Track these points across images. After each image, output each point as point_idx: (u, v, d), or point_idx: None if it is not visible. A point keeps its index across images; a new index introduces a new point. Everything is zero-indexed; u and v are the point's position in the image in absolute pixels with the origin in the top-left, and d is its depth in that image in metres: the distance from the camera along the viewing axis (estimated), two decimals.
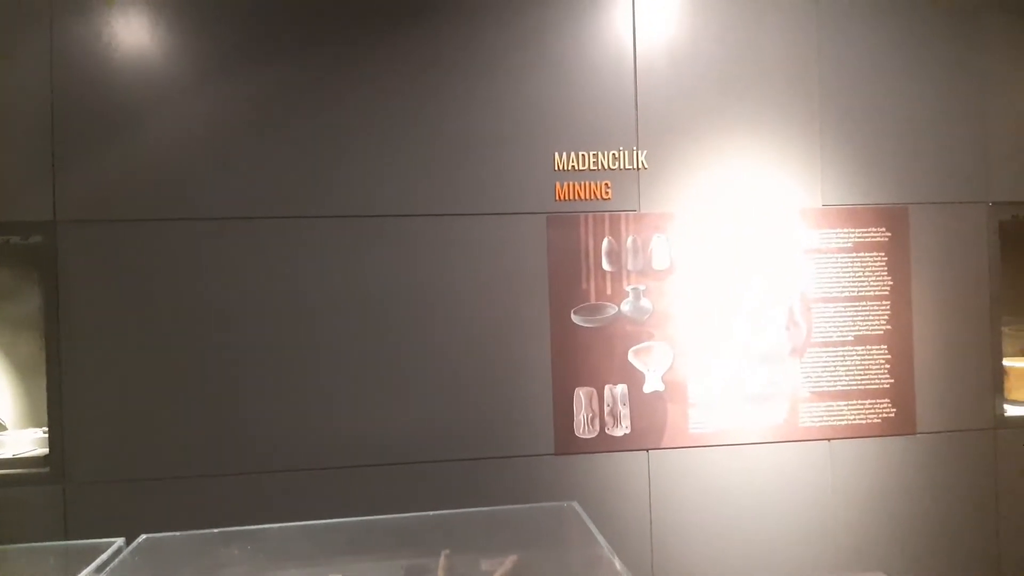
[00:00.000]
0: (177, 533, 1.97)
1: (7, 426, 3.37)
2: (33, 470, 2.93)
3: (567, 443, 3.12)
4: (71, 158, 2.95)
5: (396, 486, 3.00)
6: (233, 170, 3.00)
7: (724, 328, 3.21)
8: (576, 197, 3.18)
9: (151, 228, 2.96)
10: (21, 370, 3.39)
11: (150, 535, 1.95)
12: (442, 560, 1.94)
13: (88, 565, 1.81)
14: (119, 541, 1.87)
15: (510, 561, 1.88)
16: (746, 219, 3.23)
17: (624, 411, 3.15)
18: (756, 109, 3.27)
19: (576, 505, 2.08)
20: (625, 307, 3.18)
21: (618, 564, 1.74)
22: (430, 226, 3.09)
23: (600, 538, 1.86)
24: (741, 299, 3.22)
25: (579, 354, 3.14)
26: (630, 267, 3.19)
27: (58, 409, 2.89)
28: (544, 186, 3.17)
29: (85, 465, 2.89)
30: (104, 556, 1.79)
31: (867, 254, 3.30)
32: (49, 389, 2.90)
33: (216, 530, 1.99)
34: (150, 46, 2.99)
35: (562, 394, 3.12)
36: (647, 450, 3.16)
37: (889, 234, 3.32)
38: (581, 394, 3.13)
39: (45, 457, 2.95)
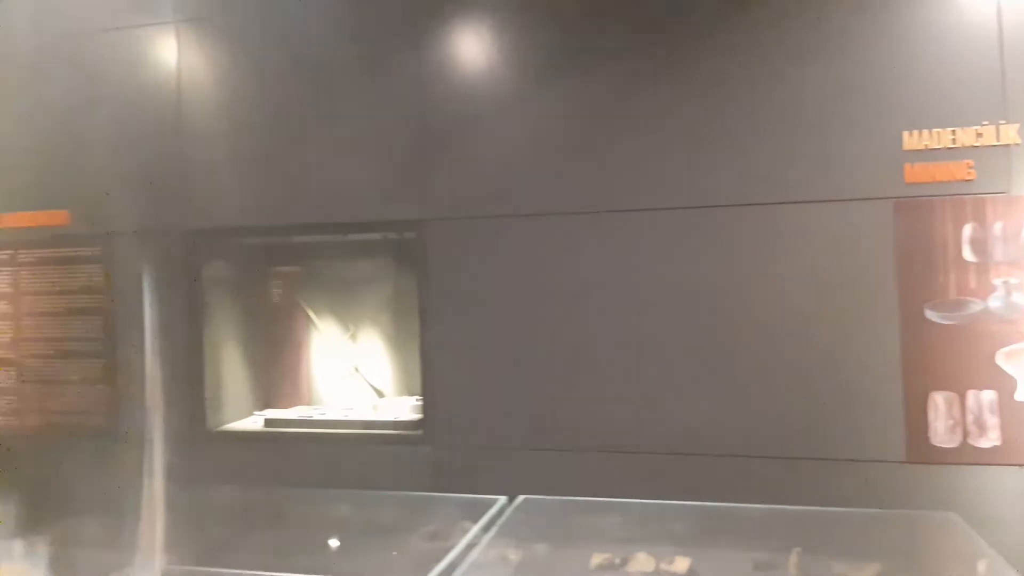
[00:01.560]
0: (550, 497, 2.20)
1: (385, 394, 3.99)
2: (408, 432, 3.45)
3: (921, 452, 2.85)
4: (435, 164, 3.38)
5: (721, 477, 2.99)
6: (573, 166, 3.21)
7: None
8: (930, 179, 2.89)
9: (503, 223, 3.29)
10: (397, 346, 3.99)
11: (528, 496, 2.19)
12: (793, 557, 1.91)
13: (469, 516, 2.10)
14: (502, 499, 2.14)
15: (872, 570, 1.80)
16: None
17: (993, 420, 2.80)
18: None
19: (956, 516, 1.91)
20: (993, 302, 2.82)
21: None
22: (761, 215, 3.02)
23: (994, 554, 1.68)
24: None
25: (936, 354, 2.85)
26: (999, 257, 2.81)
27: (429, 381, 3.36)
28: (890, 169, 2.92)
29: (451, 431, 3.32)
30: (492, 510, 2.06)
31: None
32: (423, 363, 3.38)
33: (584, 498, 2.17)
34: (492, 59, 3.31)
35: (914, 398, 2.86)
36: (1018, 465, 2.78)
37: None
38: (938, 399, 2.85)
39: (418, 422, 3.44)
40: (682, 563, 1.94)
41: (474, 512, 2.12)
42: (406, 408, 3.68)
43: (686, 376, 3.07)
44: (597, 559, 1.85)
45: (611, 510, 2.15)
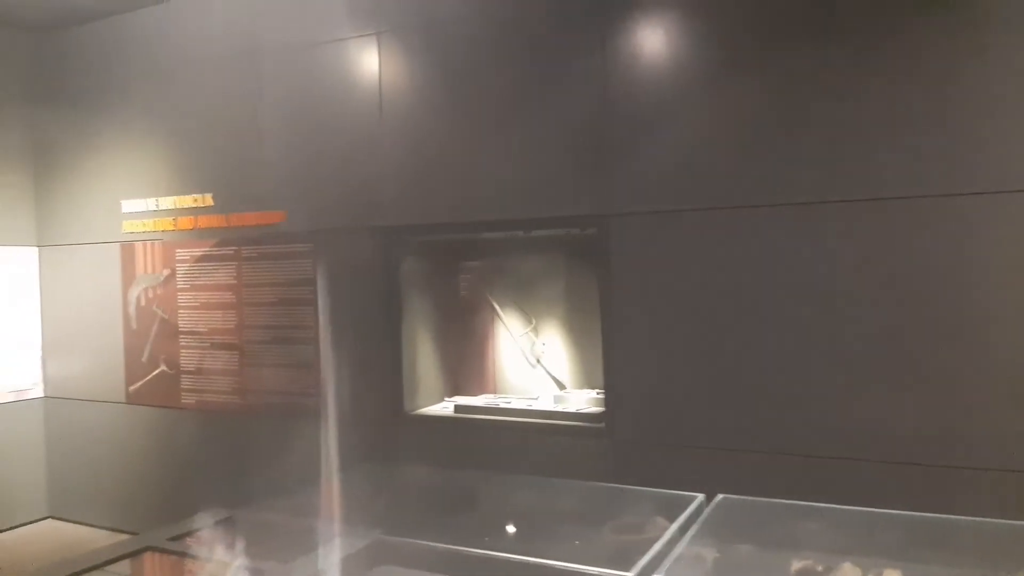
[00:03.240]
0: (748, 498, 2.17)
1: (566, 385, 4.08)
2: (590, 424, 3.51)
3: None
4: (618, 159, 3.40)
5: (933, 487, 2.78)
6: (760, 158, 3.11)
7: None
8: None
9: (687, 217, 3.25)
10: (577, 340, 4.06)
11: (727, 495, 2.18)
12: None
13: (661, 512, 2.11)
14: (700, 497, 2.15)
15: None
16: None
17: None
18: None
19: None
20: None
21: None
22: (969, 205, 2.76)
23: None
24: None
25: None
26: None
27: (612, 375, 3.40)
28: None
29: (633, 425, 3.35)
30: (691, 508, 2.07)
31: None
32: (605, 357, 3.43)
33: (785, 501, 2.12)
34: (676, 49, 3.27)
35: None
36: None
37: None
38: None
39: (600, 415, 3.50)
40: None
41: (666, 508, 2.13)
42: (587, 400, 3.74)
43: (888, 378, 2.88)
44: (798, 565, 1.80)
45: (814, 515, 2.08)
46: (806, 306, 3.02)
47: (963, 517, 2.09)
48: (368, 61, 4.00)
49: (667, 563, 1.65)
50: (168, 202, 4.69)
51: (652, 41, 3.34)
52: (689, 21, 3.26)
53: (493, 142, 3.69)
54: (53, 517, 5.16)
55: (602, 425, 3.44)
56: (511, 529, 2.61)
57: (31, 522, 5.08)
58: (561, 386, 4.09)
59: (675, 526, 1.92)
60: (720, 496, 2.19)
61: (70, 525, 5.04)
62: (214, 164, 4.54)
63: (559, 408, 3.74)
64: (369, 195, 3.99)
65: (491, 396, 4.16)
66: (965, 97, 2.78)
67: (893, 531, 2.06)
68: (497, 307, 4.30)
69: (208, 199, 4.56)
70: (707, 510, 2.10)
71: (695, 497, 2.15)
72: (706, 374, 3.18)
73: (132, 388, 4.82)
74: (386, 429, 3.97)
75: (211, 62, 4.50)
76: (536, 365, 4.18)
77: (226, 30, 4.47)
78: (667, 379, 3.27)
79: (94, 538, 4.74)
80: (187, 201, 4.63)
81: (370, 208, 4.00)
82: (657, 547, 1.74)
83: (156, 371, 4.73)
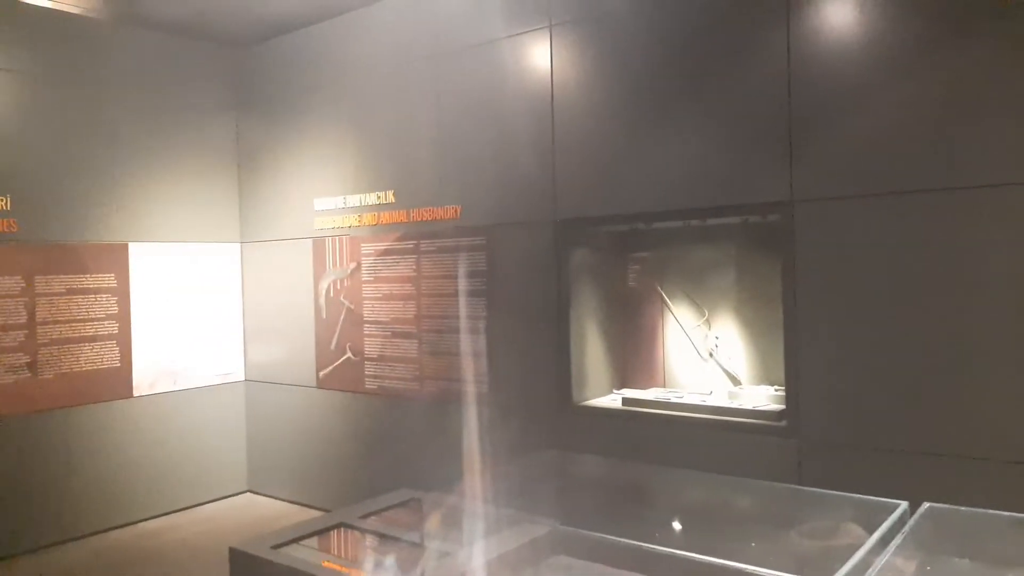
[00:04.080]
0: (959, 507, 1.99)
1: (741, 381, 3.93)
2: (769, 423, 3.36)
3: None
4: (803, 143, 3.22)
5: None
6: (953, 139, 2.83)
7: None
8: None
9: (877, 202, 3.02)
10: (754, 333, 3.90)
11: (933, 504, 2.01)
12: None
13: (856, 518, 1.98)
14: (904, 504, 1.99)
15: None
16: None
17: None
18: None
19: None
20: None
21: None
22: None
23: None
24: None
25: None
26: None
27: (794, 372, 3.23)
28: None
29: (815, 424, 3.17)
30: (894, 516, 1.92)
31: None
32: (787, 353, 3.26)
33: (997, 512, 1.92)
34: (864, 30, 3.03)
35: None
36: None
37: None
38: None
39: (780, 413, 3.34)
40: None
41: (860, 514, 1.99)
42: (764, 397, 3.58)
43: None
44: None
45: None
46: (1009, 298, 2.71)
47: None
48: (540, 55, 4.05)
49: (872, 572, 1.54)
50: (355, 200, 5.01)
51: (840, 16, 3.12)
52: (882, 10, 3.01)
53: (669, 132, 3.62)
54: (252, 491, 5.69)
55: (783, 423, 3.28)
56: (679, 526, 2.55)
57: (232, 495, 5.62)
58: (736, 382, 3.94)
59: (877, 534, 1.78)
60: (927, 505, 2.01)
61: (267, 499, 5.54)
62: (396, 163, 4.79)
63: (734, 405, 3.60)
64: (541, 189, 4.05)
65: (660, 390, 4.08)
66: None
67: None
68: (667, 298, 4.21)
69: (391, 196, 4.81)
70: (912, 519, 1.93)
71: (898, 504, 1.98)
72: (898, 371, 2.94)
73: (322, 373, 5.21)
74: (554, 419, 4.02)
75: (393, 67, 4.76)
76: (708, 359, 4.05)
77: (406, 35, 4.70)
78: (856, 376, 3.06)
79: (288, 512, 5.18)
80: (371, 198, 4.91)
81: (542, 201, 4.06)
82: (859, 556, 1.62)
83: (343, 358, 5.07)
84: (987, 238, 2.78)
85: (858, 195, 3.08)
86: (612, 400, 4.08)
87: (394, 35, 4.77)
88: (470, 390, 4.38)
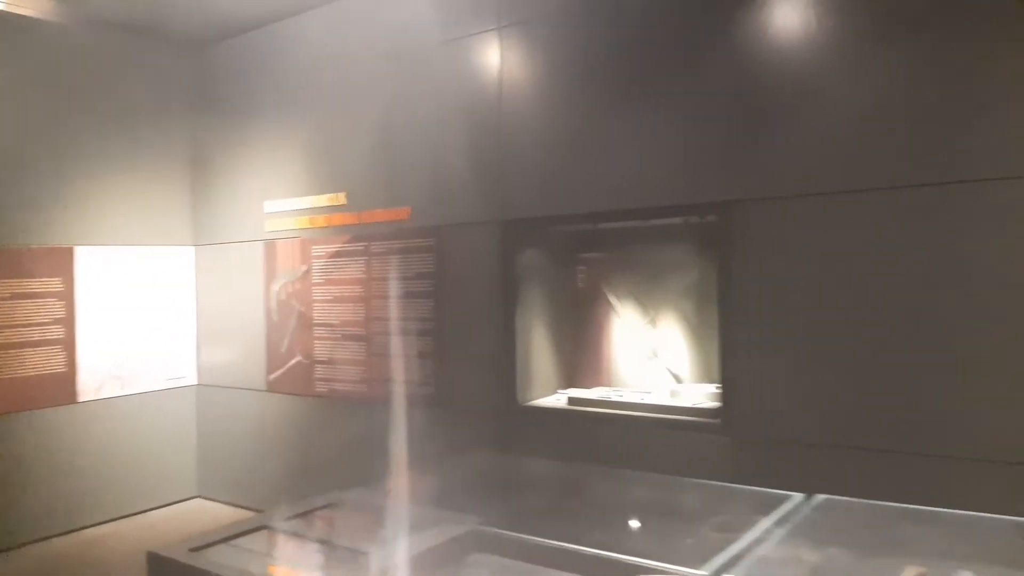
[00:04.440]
0: (854, 499, 2.01)
1: (683, 380, 3.95)
2: (706, 420, 3.37)
3: None
4: (744, 144, 3.24)
5: None
6: (889, 139, 2.87)
7: None
8: None
9: (813, 203, 3.05)
10: (696, 333, 3.92)
11: (830, 496, 2.03)
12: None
13: (762, 510, 1.99)
14: (798, 496, 2.01)
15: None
16: None
17: None
18: None
19: None
20: None
21: None
22: None
23: None
24: None
25: None
26: None
27: (730, 370, 3.25)
28: None
29: (751, 422, 3.19)
30: (787, 506, 1.94)
31: None
32: (722, 352, 3.28)
33: (893, 504, 1.95)
34: (810, 29, 3.06)
35: None
36: None
37: None
38: None
39: (716, 410, 3.36)
40: None
41: (769, 507, 2.00)
42: (704, 395, 3.60)
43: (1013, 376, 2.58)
44: (911, 572, 1.62)
45: (925, 519, 1.88)
46: (939, 297, 2.75)
47: None
48: (489, 57, 4.05)
49: (745, 563, 1.55)
50: (306, 202, 4.97)
51: (788, 18, 3.14)
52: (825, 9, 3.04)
53: (614, 133, 3.64)
54: (202, 496, 5.62)
55: (718, 421, 3.30)
56: (607, 523, 2.56)
57: (181, 500, 5.54)
58: (678, 380, 3.96)
59: (767, 524, 1.79)
60: (822, 496, 2.03)
61: (216, 504, 5.47)
62: (347, 165, 4.77)
63: (674, 403, 3.62)
64: (489, 189, 4.05)
65: (605, 389, 4.10)
66: None
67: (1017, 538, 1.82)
68: (613, 299, 4.22)
69: (342, 198, 4.79)
70: (805, 510, 1.95)
71: (791, 496, 2.00)
72: (831, 369, 2.97)
73: (272, 376, 5.17)
74: (499, 419, 4.01)
75: (343, 69, 4.74)
76: (653, 358, 4.07)
77: (356, 38, 4.69)
78: (789, 373, 3.09)
79: (236, 517, 5.09)
80: (322, 200, 4.88)
81: (490, 202, 4.05)
82: (740, 546, 1.63)
83: (293, 361, 5.03)
84: (916, 237, 2.82)
85: (795, 195, 3.11)
86: (557, 400, 4.09)
87: (344, 38, 4.75)
88: (418, 392, 4.36)
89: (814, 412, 3.00)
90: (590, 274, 4.37)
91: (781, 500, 2.02)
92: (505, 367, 4.03)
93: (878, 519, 1.95)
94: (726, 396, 3.28)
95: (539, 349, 4.19)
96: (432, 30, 4.28)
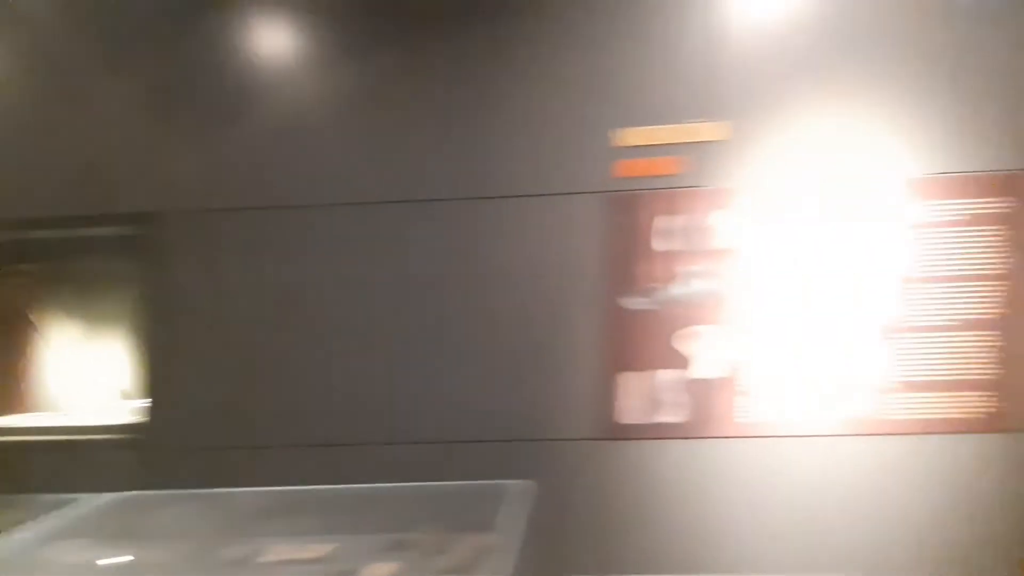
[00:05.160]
0: (156, 492, 2.13)
1: (124, 397, 3.80)
2: (127, 436, 3.29)
3: (611, 428, 3.02)
4: (174, 151, 3.25)
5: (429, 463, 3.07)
6: (310, 159, 3.19)
7: (793, 312, 2.95)
8: (638, 174, 3.05)
9: (238, 217, 3.22)
10: (128, 349, 3.80)
11: (128, 493, 2.12)
12: None
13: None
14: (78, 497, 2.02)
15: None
16: (829, 192, 2.94)
17: (671, 398, 3.00)
18: (853, 70, 2.94)
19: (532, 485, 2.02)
20: (677, 290, 3.02)
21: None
22: (486, 209, 3.10)
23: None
24: (818, 280, 2.94)
25: (627, 338, 3.02)
26: (686, 247, 3.01)
27: (152, 382, 3.24)
28: (602, 163, 3.06)
29: (168, 432, 3.22)
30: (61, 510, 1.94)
31: (985, 228, 2.87)
32: (145, 365, 3.25)
33: (192, 491, 2.11)
34: (250, 46, 3.23)
35: (607, 379, 3.02)
36: (694, 438, 2.99)
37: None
38: (627, 379, 3.02)
39: (138, 425, 3.30)
40: (320, 549, 1.93)
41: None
42: (131, 411, 3.51)
43: (406, 365, 3.12)
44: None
45: (220, 501, 2.11)
46: (352, 303, 3.15)
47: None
48: None
49: None
50: None
51: (225, 38, 3.22)
52: (268, 25, 3.21)
53: (59, 129, 3.33)
54: None
55: (139, 436, 3.26)
56: None
57: None
58: (127, 396, 3.80)
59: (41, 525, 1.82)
60: (109, 496, 2.15)
61: None
62: None
63: (102, 421, 3.45)
64: None
65: (29, 415, 3.72)
66: (488, 109, 3.10)
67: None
68: (40, 317, 3.86)
69: None
70: (70, 508, 2.01)
71: (77, 498, 2.07)
72: (236, 379, 3.17)
73: None
74: None
75: None
76: (87, 377, 3.83)
77: None
78: (200, 384, 3.20)
79: None
80: None
81: None
82: None
83: None
84: (316, 250, 3.17)
85: (215, 208, 3.22)
86: None
87: None
88: None
89: (219, 418, 3.17)
90: (20, 290, 3.92)
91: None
92: None
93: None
94: (149, 408, 3.25)
95: None
96: None
